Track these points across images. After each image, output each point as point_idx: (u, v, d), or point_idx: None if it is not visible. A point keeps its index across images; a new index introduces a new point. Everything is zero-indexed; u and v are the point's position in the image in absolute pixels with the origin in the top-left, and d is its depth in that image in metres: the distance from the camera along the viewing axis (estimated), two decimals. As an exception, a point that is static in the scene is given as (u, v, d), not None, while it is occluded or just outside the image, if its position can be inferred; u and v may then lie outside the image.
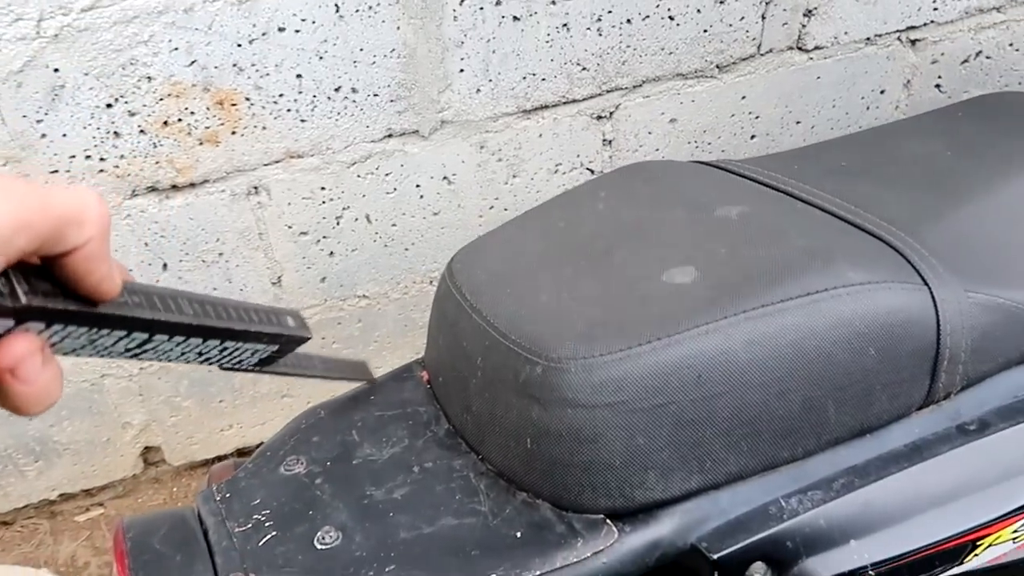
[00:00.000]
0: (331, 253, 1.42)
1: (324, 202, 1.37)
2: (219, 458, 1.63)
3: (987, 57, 1.60)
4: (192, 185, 1.29)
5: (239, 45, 1.19)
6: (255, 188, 1.32)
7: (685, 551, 0.68)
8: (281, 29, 1.20)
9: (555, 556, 0.65)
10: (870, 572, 0.69)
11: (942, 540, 0.70)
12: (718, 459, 0.67)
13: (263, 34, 1.19)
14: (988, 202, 0.81)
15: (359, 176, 1.36)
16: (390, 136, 1.34)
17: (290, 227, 1.37)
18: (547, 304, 0.72)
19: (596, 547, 0.66)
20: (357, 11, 1.21)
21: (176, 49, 1.17)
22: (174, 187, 1.28)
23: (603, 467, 0.66)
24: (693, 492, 0.68)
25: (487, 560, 0.65)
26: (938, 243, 0.75)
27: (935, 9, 1.51)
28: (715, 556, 0.67)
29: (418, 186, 1.40)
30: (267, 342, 0.57)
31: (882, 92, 1.59)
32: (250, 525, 0.71)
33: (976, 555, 0.71)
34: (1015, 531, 0.72)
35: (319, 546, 0.68)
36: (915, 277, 0.71)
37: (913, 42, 1.54)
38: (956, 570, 0.71)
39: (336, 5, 1.20)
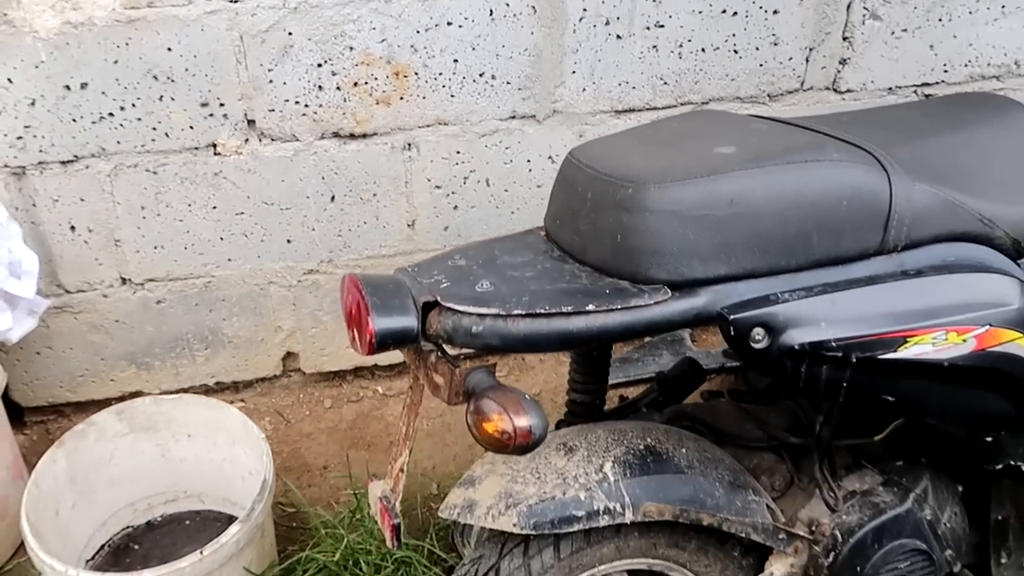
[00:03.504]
0: (455, 207, 1.84)
1: (457, 163, 1.79)
2: (338, 373, 2.02)
3: (989, 116, 1.99)
4: (364, 136, 1.72)
5: (418, 32, 1.64)
6: (409, 144, 1.75)
7: (712, 315, 1.05)
8: (449, 23, 1.64)
9: (630, 300, 1.04)
10: (832, 343, 1.05)
11: (883, 332, 1.06)
12: (739, 258, 1.05)
13: (436, 25, 1.64)
14: (937, 141, 1.20)
15: (486, 146, 1.78)
16: (513, 117, 1.77)
17: (429, 180, 1.80)
18: (636, 161, 1.11)
19: (655, 299, 1.04)
20: (505, 16, 1.66)
21: (374, 28, 1.62)
22: (351, 135, 1.72)
23: (665, 252, 1.04)
24: (721, 278, 1.06)
25: (587, 298, 1.04)
26: (899, 155, 1.13)
27: (945, 71, 1.92)
28: (731, 318, 1.04)
29: (528, 161, 1.82)
30: None
31: (901, 135, 1.98)
32: (432, 280, 1.10)
33: (906, 347, 1.07)
34: (934, 337, 1.08)
35: (478, 289, 1.07)
36: (879, 167, 1.10)
37: (927, 96, 1.94)
38: (891, 355, 1.07)
39: (491, 10, 1.65)
